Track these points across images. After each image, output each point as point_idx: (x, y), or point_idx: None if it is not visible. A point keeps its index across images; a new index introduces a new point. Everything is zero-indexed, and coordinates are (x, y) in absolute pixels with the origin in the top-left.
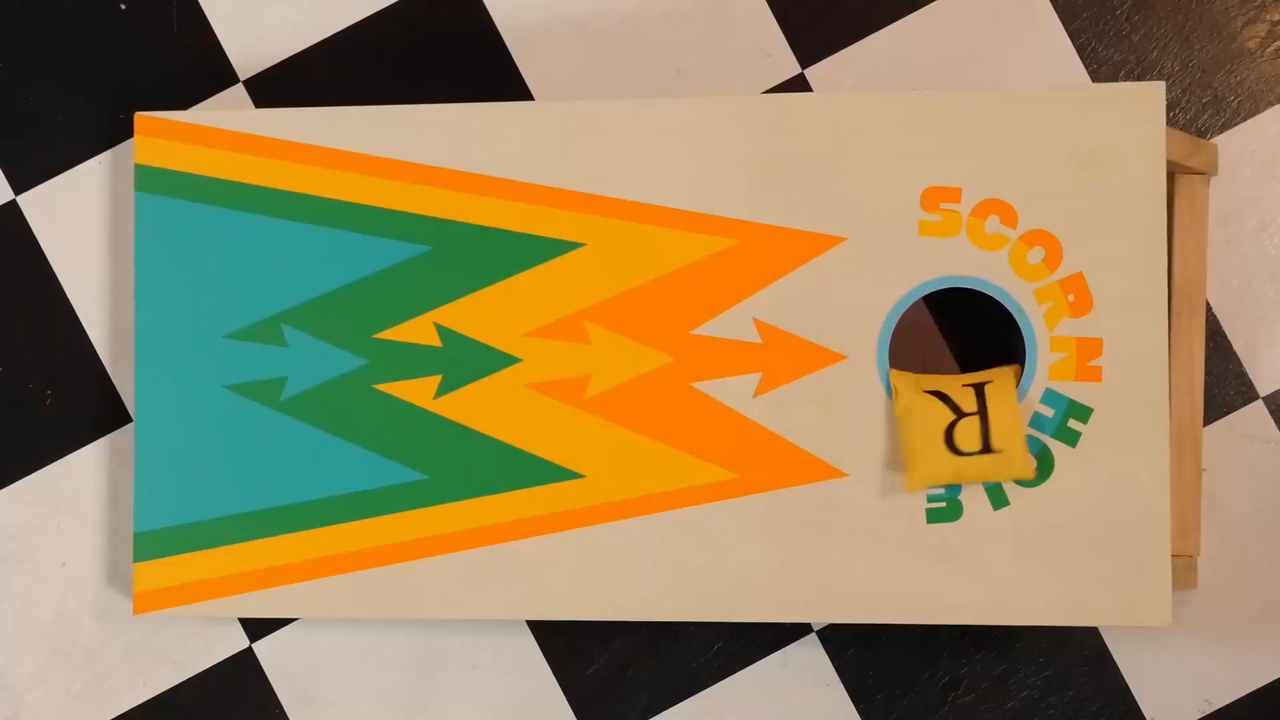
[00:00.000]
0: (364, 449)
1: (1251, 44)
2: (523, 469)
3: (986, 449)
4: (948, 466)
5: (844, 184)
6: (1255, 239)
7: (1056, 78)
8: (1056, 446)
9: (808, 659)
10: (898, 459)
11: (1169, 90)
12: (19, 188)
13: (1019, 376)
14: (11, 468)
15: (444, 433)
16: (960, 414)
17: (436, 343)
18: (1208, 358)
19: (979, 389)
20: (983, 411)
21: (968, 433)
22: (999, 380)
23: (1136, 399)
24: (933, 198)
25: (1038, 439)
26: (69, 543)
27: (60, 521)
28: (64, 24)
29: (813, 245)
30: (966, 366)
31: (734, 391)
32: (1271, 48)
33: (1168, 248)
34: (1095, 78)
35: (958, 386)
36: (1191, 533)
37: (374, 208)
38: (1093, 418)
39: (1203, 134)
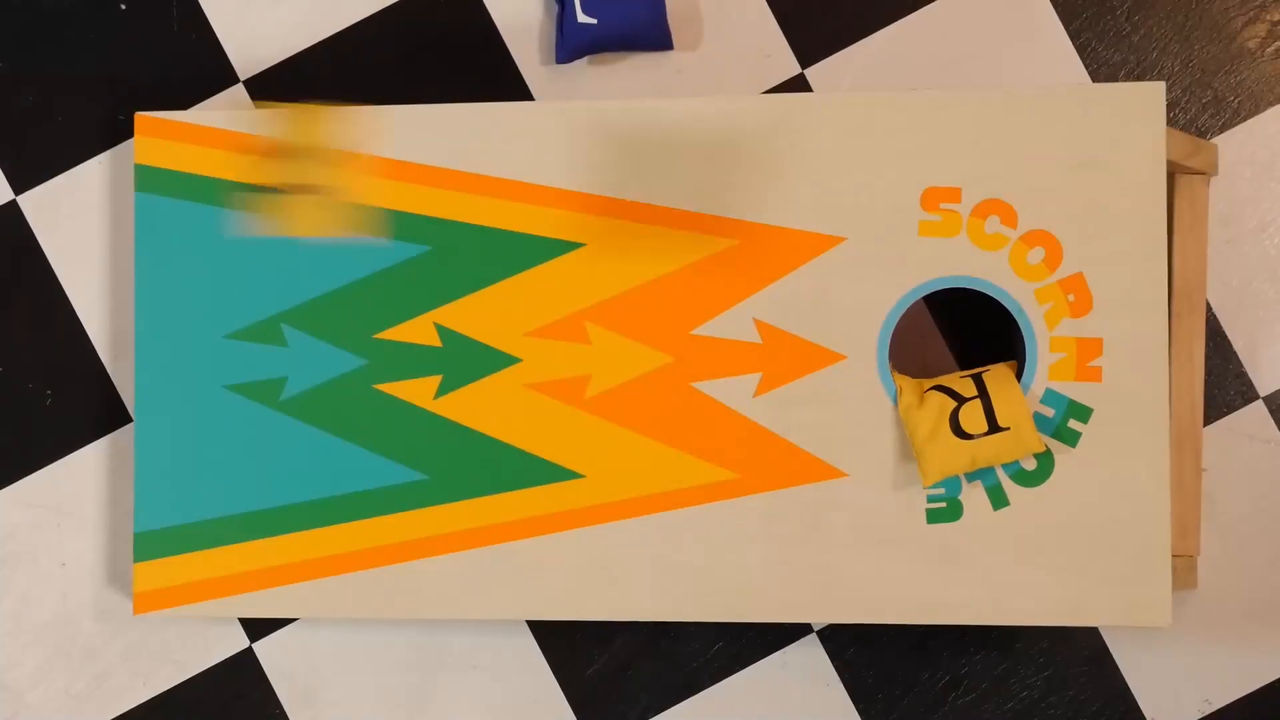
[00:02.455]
0: (364, 449)
1: (1251, 44)
2: (523, 469)
3: (994, 429)
4: (960, 453)
5: (844, 184)
6: (1255, 239)
7: (1056, 78)
8: (1056, 446)
9: (808, 659)
10: (898, 459)
11: (1169, 90)
12: (19, 188)
13: (1015, 370)
14: (11, 468)
15: (444, 433)
16: (962, 400)
17: (436, 343)
18: (1208, 358)
19: (977, 377)
20: (984, 394)
21: (973, 416)
22: (995, 369)
23: (1136, 399)
24: (933, 198)
25: None
26: (69, 543)
27: (60, 521)
28: (64, 24)
29: (813, 245)
30: (966, 367)
31: (734, 391)
32: (1271, 48)
33: (1168, 248)
34: (1095, 78)
35: (957, 379)
36: (1191, 533)
37: (374, 208)
38: (1093, 418)
39: (1203, 134)
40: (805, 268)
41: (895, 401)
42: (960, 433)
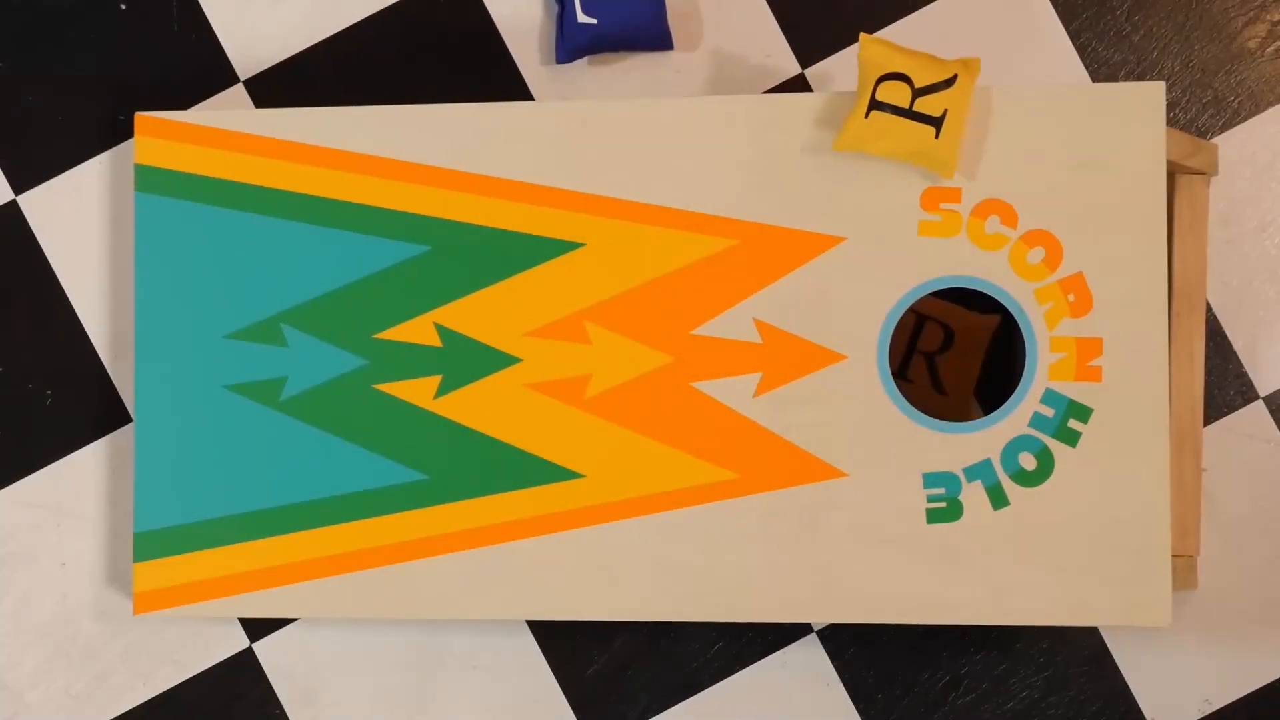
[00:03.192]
0: (364, 449)
1: (1251, 44)
2: (523, 469)
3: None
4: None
5: (844, 184)
6: (1255, 239)
7: (1056, 78)
8: (1056, 446)
9: (808, 659)
10: (898, 459)
11: (1169, 90)
12: (19, 188)
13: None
14: (11, 468)
15: (444, 433)
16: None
17: (436, 343)
18: (1208, 358)
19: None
20: (926, 89)
21: (896, 90)
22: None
23: (1136, 399)
24: (933, 198)
25: (1038, 439)
26: (69, 543)
27: (60, 521)
28: (64, 24)
29: (813, 245)
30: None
31: (734, 391)
32: (1271, 48)
33: (1168, 248)
34: (1095, 78)
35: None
36: (1191, 533)
37: (374, 208)
38: (1093, 418)
39: (1203, 134)
40: (805, 268)
41: (895, 401)
42: (877, 102)
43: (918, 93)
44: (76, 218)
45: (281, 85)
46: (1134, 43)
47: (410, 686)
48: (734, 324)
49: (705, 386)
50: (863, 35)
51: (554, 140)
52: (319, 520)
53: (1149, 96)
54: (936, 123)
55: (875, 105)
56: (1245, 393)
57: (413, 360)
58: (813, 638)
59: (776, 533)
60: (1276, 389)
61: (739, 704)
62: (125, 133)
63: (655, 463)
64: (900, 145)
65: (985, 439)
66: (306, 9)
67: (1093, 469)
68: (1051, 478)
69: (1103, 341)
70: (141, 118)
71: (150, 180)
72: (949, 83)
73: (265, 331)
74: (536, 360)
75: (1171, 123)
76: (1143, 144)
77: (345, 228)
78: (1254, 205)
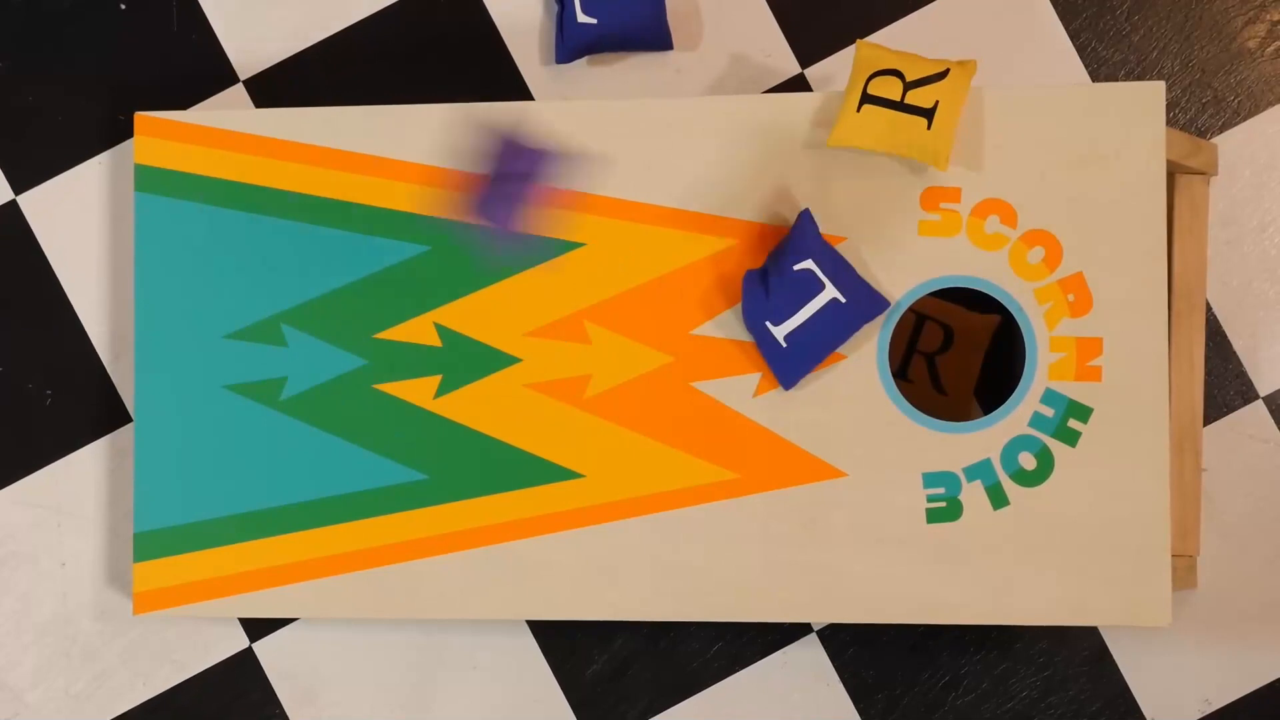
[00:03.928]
0: (364, 449)
1: (1251, 44)
2: (523, 469)
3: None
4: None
5: (844, 184)
6: (1255, 239)
7: (1056, 78)
8: (1056, 446)
9: (808, 659)
10: (898, 459)
11: (1169, 90)
12: (19, 188)
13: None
14: (11, 468)
15: (444, 433)
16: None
17: (436, 343)
18: (1208, 358)
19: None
20: (918, 82)
21: (888, 84)
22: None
23: (1136, 399)
24: (933, 198)
25: (1038, 439)
26: (69, 543)
27: (60, 521)
28: (64, 24)
29: None
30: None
31: (734, 391)
32: (1271, 48)
33: (1168, 248)
34: (1095, 78)
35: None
36: (1191, 533)
37: (374, 208)
38: (1093, 418)
39: (1203, 134)
40: None
41: (895, 401)
42: (869, 95)
43: (909, 86)
44: (76, 218)
45: (281, 85)
46: (1134, 43)
47: (410, 686)
48: (734, 324)
49: (705, 386)
50: (859, 41)
51: (554, 140)
52: (319, 520)
53: (1149, 96)
54: (928, 114)
55: (867, 99)
56: (1245, 393)
57: (413, 360)
58: (813, 638)
59: (776, 533)
60: (1276, 389)
61: (739, 704)
62: (125, 133)
63: (655, 463)
64: (892, 138)
65: (985, 439)
66: (306, 9)
67: (1093, 469)
68: (1051, 478)
69: (1103, 341)
70: (141, 118)
71: (150, 180)
72: (941, 75)
73: (265, 331)
74: (536, 360)
75: (1171, 123)
76: (1142, 144)
77: (345, 228)
78: (1254, 205)
